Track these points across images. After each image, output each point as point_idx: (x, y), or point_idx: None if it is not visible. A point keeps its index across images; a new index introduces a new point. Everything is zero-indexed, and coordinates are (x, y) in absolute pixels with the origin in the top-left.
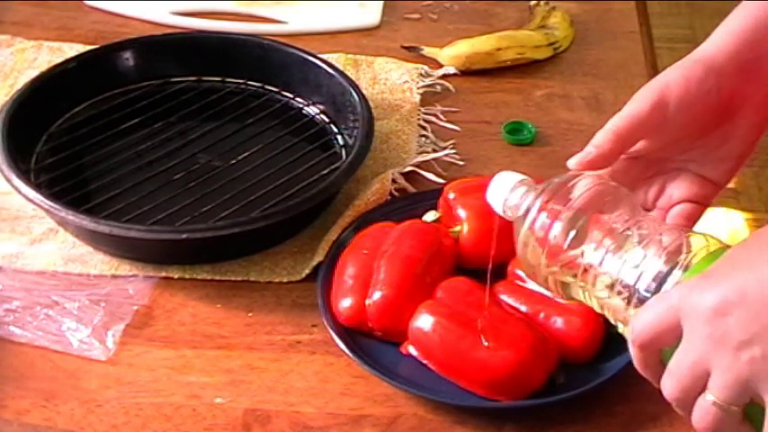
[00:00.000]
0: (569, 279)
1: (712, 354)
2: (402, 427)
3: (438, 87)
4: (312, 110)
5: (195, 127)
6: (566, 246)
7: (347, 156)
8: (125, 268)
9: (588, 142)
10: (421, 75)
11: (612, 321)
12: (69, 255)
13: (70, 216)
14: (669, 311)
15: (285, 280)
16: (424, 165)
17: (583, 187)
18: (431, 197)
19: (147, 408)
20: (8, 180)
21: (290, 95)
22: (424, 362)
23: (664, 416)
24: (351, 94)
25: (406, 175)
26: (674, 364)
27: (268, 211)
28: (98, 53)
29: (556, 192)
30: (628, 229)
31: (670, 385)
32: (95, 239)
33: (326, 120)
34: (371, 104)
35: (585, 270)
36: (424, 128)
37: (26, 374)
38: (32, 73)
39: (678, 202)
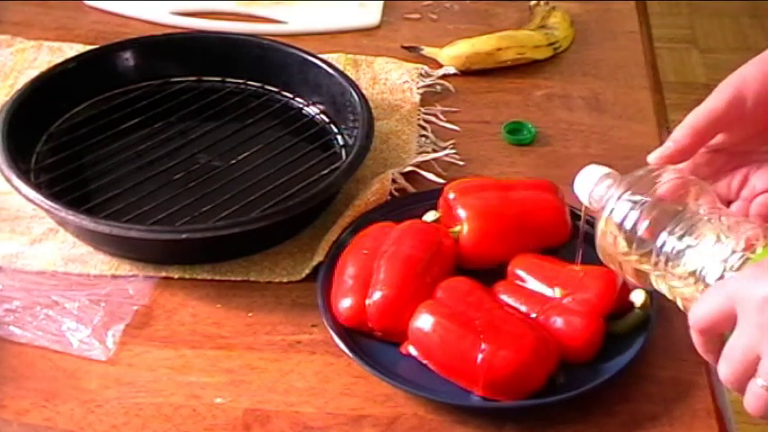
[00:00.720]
0: (646, 267)
1: (763, 340)
2: (402, 427)
3: (438, 87)
4: (312, 110)
5: (195, 127)
6: (643, 235)
7: (347, 156)
8: (125, 268)
9: (588, 142)
10: (421, 75)
11: (683, 309)
12: (69, 255)
13: (70, 216)
14: (725, 299)
15: (285, 280)
16: (424, 165)
17: (662, 179)
18: (431, 197)
19: (146, 408)
20: (8, 180)
21: (290, 95)
22: (424, 362)
23: (664, 416)
24: (351, 94)
25: (406, 175)
26: (727, 349)
27: (268, 211)
28: (98, 53)
29: (636, 183)
30: (706, 220)
31: (724, 369)
32: (95, 239)
33: (326, 120)
34: (371, 104)
35: (661, 259)
36: (424, 128)
37: (26, 374)
38: (32, 73)
39: (761, 193)
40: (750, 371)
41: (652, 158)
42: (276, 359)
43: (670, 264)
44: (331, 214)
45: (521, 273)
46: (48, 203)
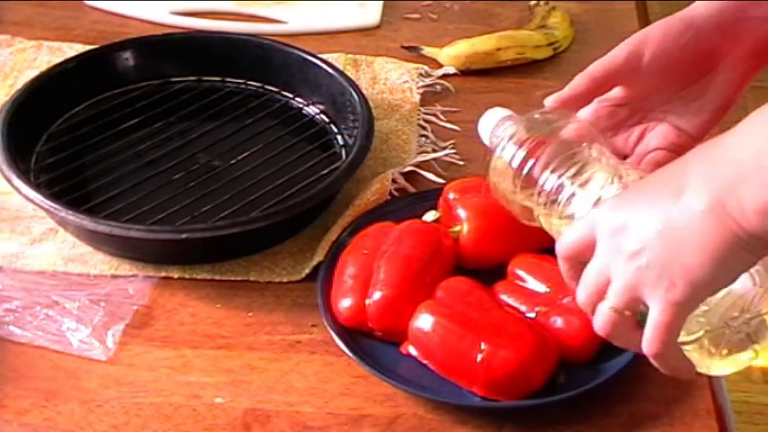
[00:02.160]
0: (531, 205)
1: (611, 263)
2: (402, 427)
3: (438, 87)
4: (312, 110)
5: (195, 127)
6: (529, 174)
7: (347, 156)
8: (125, 268)
9: None
10: (421, 75)
11: None
12: (69, 255)
13: (70, 216)
14: (587, 229)
15: (285, 280)
16: (424, 165)
17: (557, 123)
18: (431, 197)
19: (146, 408)
20: (8, 180)
21: (290, 95)
22: (424, 362)
23: (664, 416)
24: (351, 93)
25: (406, 175)
26: (584, 273)
27: (268, 211)
28: (98, 53)
29: (531, 125)
30: (593, 164)
31: (580, 293)
32: (95, 239)
33: (326, 120)
34: (371, 104)
35: (546, 199)
36: (424, 128)
37: (26, 374)
38: (32, 73)
39: (653, 150)
40: (601, 293)
41: (548, 102)
42: (276, 359)
43: (554, 205)
44: (331, 214)
45: (521, 273)
46: (48, 203)
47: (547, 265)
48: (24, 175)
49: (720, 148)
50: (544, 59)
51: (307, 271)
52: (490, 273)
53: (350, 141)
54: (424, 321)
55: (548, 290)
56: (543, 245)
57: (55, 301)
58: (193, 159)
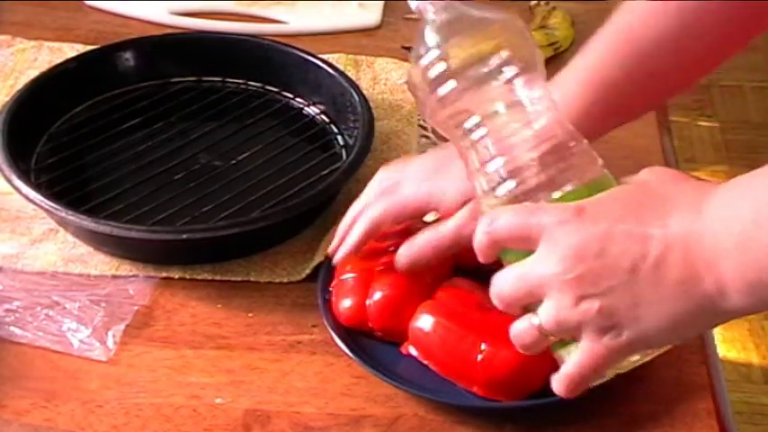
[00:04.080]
0: (451, 122)
1: (555, 288)
2: (402, 427)
3: None
4: (312, 110)
5: (195, 127)
6: (442, 92)
7: (347, 156)
8: (125, 268)
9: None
10: None
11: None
12: (69, 255)
13: (70, 216)
14: (534, 226)
15: (285, 280)
16: None
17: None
18: None
19: (147, 408)
20: (8, 180)
21: (291, 96)
22: (425, 362)
23: (664, 416)
24: (351, 94)
25: None
26: (518, 271)
27: (268, 211)
28: (98, 53)
29: (468, 28)
30: (525, 106)
31: (505, 287)
32: (96, 240)
33: (327, 120)
34: (372, 105)
35: (470, 128)
36: (424, 128)
37: (26, 374)
38: (32, 73)
39: None
40: (527, 301)
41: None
42: (276, 359)
43: (476, 135)
44: (331, 214)
45: None
46: (48, 204)
47: None
48: (25, 175)
49: (705, 214)
50: (544, 59)
51: (307, 271)
52: (490, 273)
53: (350, 142)
54: (424, 321)
55: None
56: None
57: (55, 301)
58: (194, 160)
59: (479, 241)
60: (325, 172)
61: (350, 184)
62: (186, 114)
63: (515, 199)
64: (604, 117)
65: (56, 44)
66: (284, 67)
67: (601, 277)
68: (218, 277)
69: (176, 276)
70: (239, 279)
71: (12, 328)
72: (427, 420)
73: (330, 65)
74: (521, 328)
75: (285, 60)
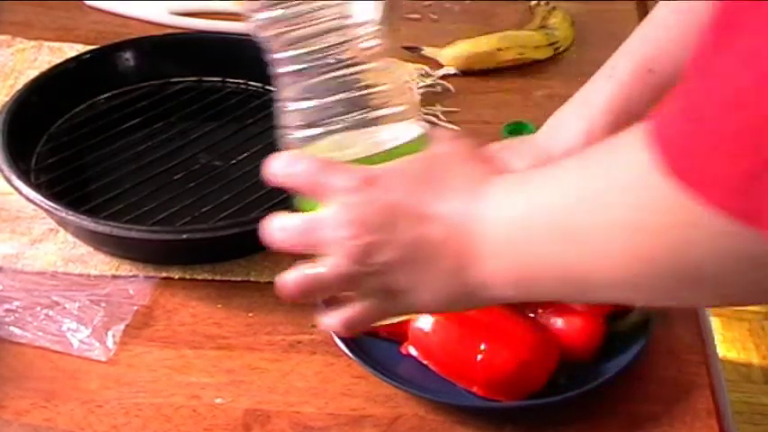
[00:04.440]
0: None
1: (338, 252)
2: (402, 427)
3: (438, 87)
4: None
5: (195, 127)
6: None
7: None
8: (125, 268)
9: None
10: (421, 75)
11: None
12: (69, 255)
13: (70, 216)
14: (326, 186)
15: None
16: None
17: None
18: None
19: (147, 408)
20: (8, 180)
21: None
22: (425, 362)
23: (664, 416)
24: None
25: None
26: (305, 225)
27: (268, 211)
28: (98, 53)
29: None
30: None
31: (289, 233)
32: (96, 240)
33: None
34: None
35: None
36: None
37: (26, 375)
38: (32, 73)
39: None
40: (306, 249)
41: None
42: (276, 359)
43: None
44: None
45: None
46: (48, 204)
47: None
48: (25, 175)
49: (480, 206)
50: (545, 59)
51: None
52: None
53: None
54: (424, 321)
55: None
56: None
57: (55, 301)
58: (194, 160)
59: (276, 172)
60: None
61: None
62: (186, 114)
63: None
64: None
65: (56, 44)
66: None
67: (382, 250)
68: (218, 277)
69: (176, 276)
70: (239, 279)
71: (12, 328)
72: (427, 420)
73: None
74: (300, 275)
75: None
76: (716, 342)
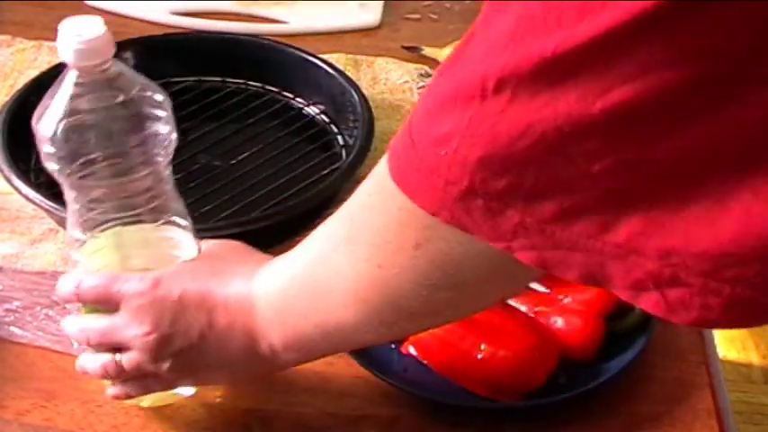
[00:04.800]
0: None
1: (136, 347)
2: (403, 427)
3: None
4: (312, 110)
5: (195, 127)
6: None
7: (347, 156)
8: None
9: None
10: (421, 75)
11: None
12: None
13: None
14: (116, 294)
15: None
16: None
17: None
18: None
19: (147, 408)
20: (8, 180)
21: (291, 96)
22: (424, 362)
23: (664, 416)
24: (351, 94)
25: None
26: (102, 329)
27: (268, 211)
28: None
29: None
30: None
31: (90, 337)
32: None
33: (327, 120)
34: (372, 105)
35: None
36: None
37: (26, 375)
38: (32, 73)
39: None
40: (108, 347)
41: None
42: None
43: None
44: (331, 214)
45: None
46: (48, 203)
47: None
48: (24, 175)
49: (254, 286)
50: None
51: None
52: None
53: (350, 142)
54: None
55: (547, 290)
56: None
57: (55, 301)
58: (194, 160)
59: (64, 294)
60: (325, 172)
61: (350, 183)
62: (186, 114)
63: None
64: None
65: (56, 44)
66: (284, 67)
67: (172, 342)
68: None
69: None
70: None
71: (12, 328)
72: (427, 420)
73: (330, 65)
74: (100, 365)
75: (285, 60)
76: (716, 342)
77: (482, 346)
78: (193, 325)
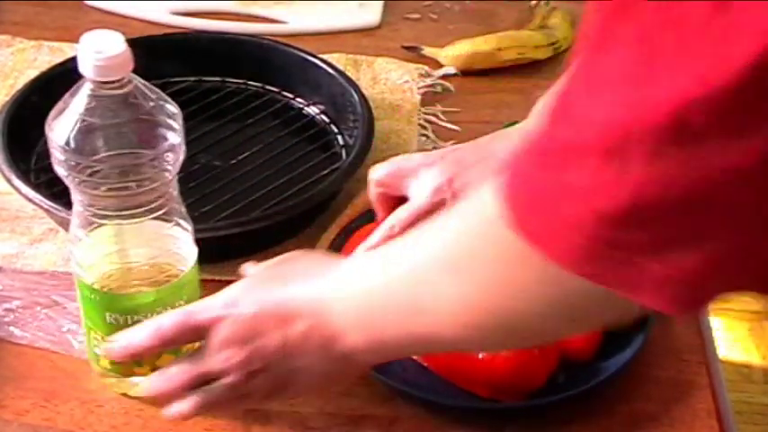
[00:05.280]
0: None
1: (224, 374)
2: (402, 427)
3: (438, 87)
4: (312, 110)
5: (195, 127)
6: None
7: (347, 156)
8: None
9: None
10: (421, 75)
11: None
12: (69, 255)
13: (70, 216)
14: (195, 326)
15: None
16: None
17: None
18: None
19: (147, 408)
20: (8, 180)
21: (291, 96)
22: (425, 364)
23: (664, 416)
24: (351, 94)
25: None
26: (185, 367)
27: (268, 211)
28: None
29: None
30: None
31: (177, 381)
32: None
33: (327, 120)
34: (372, 104)
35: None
36: (424, 128)
37: (26, 375)
38: (32, 73)
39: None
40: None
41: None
42: None
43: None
44: (331, 214)
45: None
46: (48, 203)
47: None
48: (24, 175)
49: (331, 289)
50: (545, 59)
51: None
52: None
53: (350, 141)
54: None
55: None
56: None
57: (55, 301)
58: (194, 159)
59: (141, 342)
60: (325, 172)
61: (350, 183)
62: (186, 114)
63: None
64: None
65: (56, 44)
66: (284, 67)
67: (256, 358)
68: (218, 277)
69: None
70: (239, 279)
71: (12, 329)
72: (427, 420)
73: (330, 65)
74: (196, 398)
75: (285, 60)
76: (716, 342)
77: None
78: (274, 337)
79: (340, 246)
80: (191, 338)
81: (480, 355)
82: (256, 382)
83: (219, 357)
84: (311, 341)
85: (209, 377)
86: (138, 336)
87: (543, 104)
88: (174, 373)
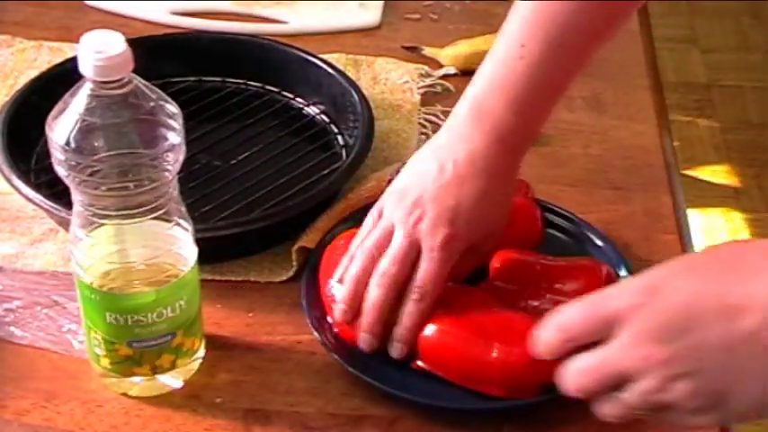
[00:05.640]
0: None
1: (642, 374)
2: (402, 427)
3: (438, 87)
4: (312, 110)
5: (195, 127)
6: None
7: (347, 156)
8: None
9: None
10: (421, 75)
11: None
12: (69, 255)
13: (70, 216)
14: (607, 316)
15: (285, 278)
16: None
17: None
18: None
19: (147, 408)
20: (8, 180)
21: (291, 96)
22: (438, 373)
23: None
24: (351, 94)
25: None
26: (593, 363)
27: (268, 211)
28: None
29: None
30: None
31: (583, 379)
32: None
33: (327, 120)
34: (372, 104)
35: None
36: (424, 127)
37: (26, 375)
38: (32, 73)
39: None
40: (608, 387)
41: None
42: (276, 359)
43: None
44: (331, 214)
45: (504, 272)
46: (48, 204)
47: (530, 260)
48: (24, 175)
49: None
50: None
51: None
52: (478, 274)
53: (350, 141)
54: (432, 335)
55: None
56: (514, 245)
57: (55, 301)
58: (194, 160)
59: (547, 341)
60: (325, 172)
61: (350, 183)
62: (186, 114)
63: None
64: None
65: (56, 44)
66: (284, 67)
67: (689, 357)
68: (217, 277)
69: None
70: (239, 279)
71: (12, 329)
72: (427, 420)
73: (330, 65)
74: (612, 408)
75: (285, 60)
76: None
77: (494, 348)
78: (712, 333)
79: (325, 247)
80: (596, 333)
81: (495, 354)
82: (680, 389)
83: (635, 354)
84: (760, 342)
85: (621, 378)
86: (541, 335)
87: None
88: (583, 365)
